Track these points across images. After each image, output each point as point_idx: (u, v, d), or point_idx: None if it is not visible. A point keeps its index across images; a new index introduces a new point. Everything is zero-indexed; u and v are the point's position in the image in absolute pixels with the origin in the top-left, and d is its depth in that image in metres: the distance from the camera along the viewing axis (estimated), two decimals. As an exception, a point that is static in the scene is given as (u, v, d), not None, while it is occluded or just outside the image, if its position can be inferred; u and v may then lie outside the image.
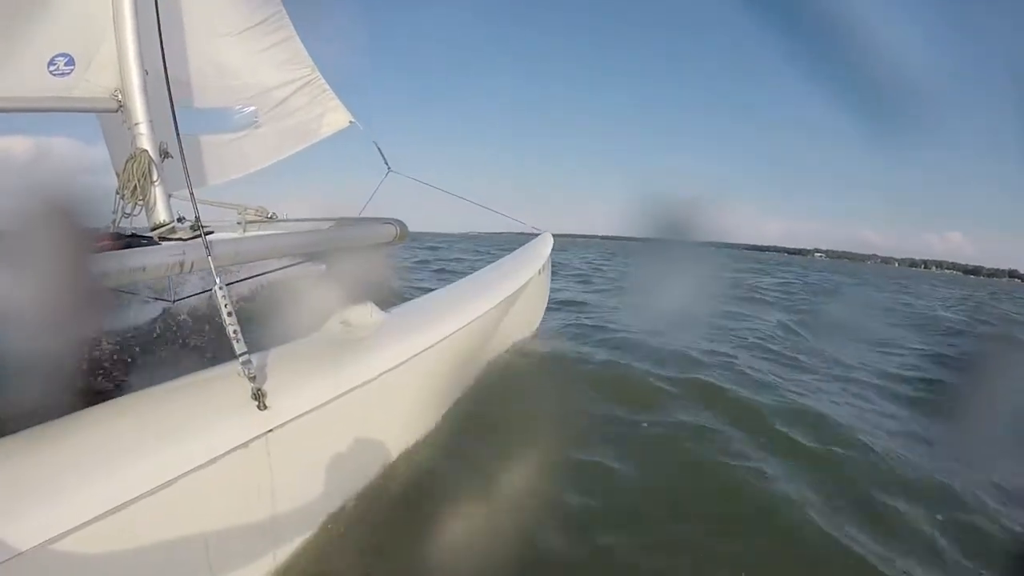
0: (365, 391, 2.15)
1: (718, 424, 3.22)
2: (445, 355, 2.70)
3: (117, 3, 2.37)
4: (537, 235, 5.20)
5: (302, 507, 1.88)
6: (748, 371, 4.47)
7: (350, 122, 3.77)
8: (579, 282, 10.98)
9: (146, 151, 2.35)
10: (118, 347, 2.47)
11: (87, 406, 1.60)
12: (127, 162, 2.32)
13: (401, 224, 2.74)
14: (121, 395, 1.72)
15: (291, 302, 2.55)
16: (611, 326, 5.87)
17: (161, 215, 2.32)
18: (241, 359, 1.75)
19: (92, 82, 2.42)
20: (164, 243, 2.07)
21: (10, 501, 1.27)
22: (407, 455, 2.40)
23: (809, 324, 7.56)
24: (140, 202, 2.31)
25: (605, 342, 5.17)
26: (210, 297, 2.04)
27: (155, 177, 2.33)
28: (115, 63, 2.42)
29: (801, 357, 5.49)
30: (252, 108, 3.35)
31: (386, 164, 3.95)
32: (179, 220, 2.37)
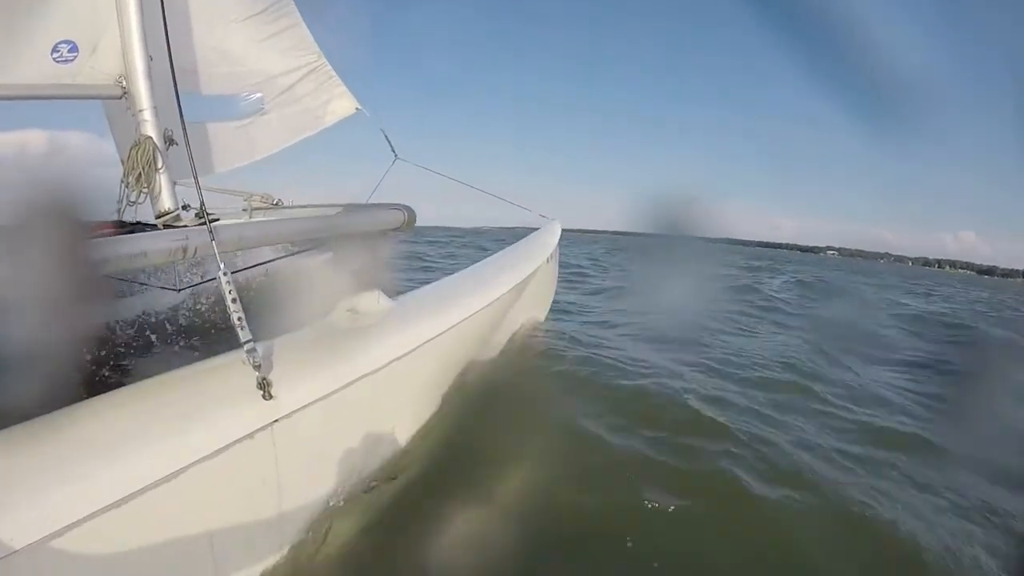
0: (373, 380, 2.13)
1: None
2: (453, 343, 2.67)
3: (120, -11, 2.34)
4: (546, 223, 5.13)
5: (309, 499, 1.86)
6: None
7: (356, 109, 3.72)
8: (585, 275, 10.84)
9: (150, 138, 2.32)
10: (120, 337, 2.46)
11: (86, 397, 1.58)
12: (131, 149, 2.30)
13: (409, 210, 2.69)
14: (120, 386, 1.70)
15: (297, 290, 2.52)
16: (620, 320, 5.82)
17: (166, 203, 2.30)
18: (246, 347, 1.72)
19: (96, 69, 2.39)
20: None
21: (8, 496, 1.25)
22: (415, 444, 2.38)
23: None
24: (144, 190, 2.28)
25: (611, 336, 5.12)
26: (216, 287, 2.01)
27: (160, 164, 2.31)
28: (119, 49, 2.39)
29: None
30: (258, 95, 3.32)
31: (393, 152, 3.89)
32: (184, 208, 2.35)
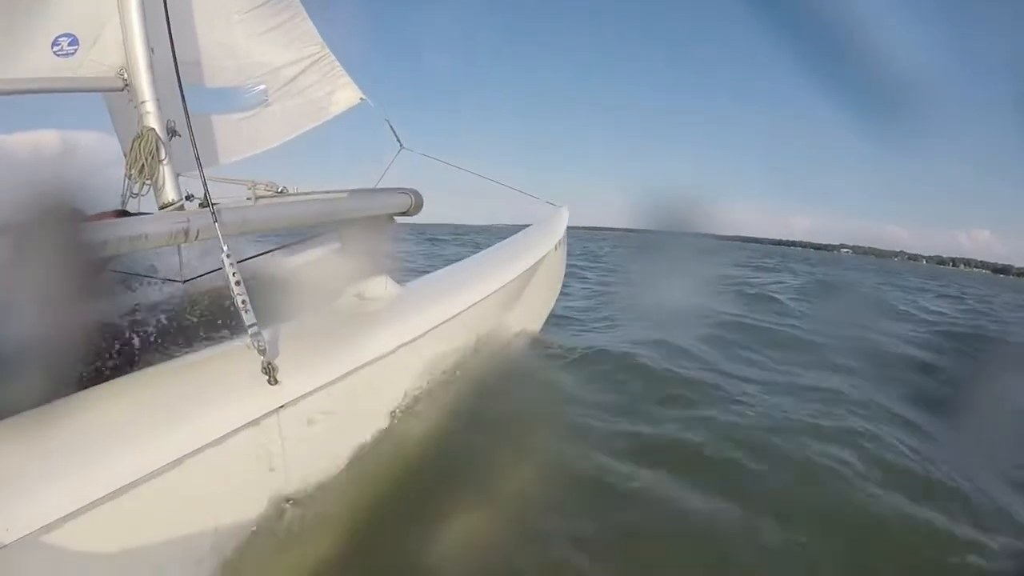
0: (380, 366, 2.10)
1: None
2: (461, 329, 2.63)
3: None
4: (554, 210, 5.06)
5: (315, 487, 1.82)
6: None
7: (360, 99, 3.69)
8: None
9: (153, 129, 2.31)
10: (124, 329, 2.45)
11: (87, 387, 1.56)
12: (134, 141, 2.30)
13: (416, 194, 2.62)
14: (122, 376, 1.68)
15: (304, 280, 2.50)
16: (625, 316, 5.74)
17: (169, 194, 2.29)
18: (251, 330, 1.69)
19: (97, 61, 2.39)
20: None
21: (7, 487, 1.23)
22: (423, 431, 2.34)
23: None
24: (148, 182, 2.28)
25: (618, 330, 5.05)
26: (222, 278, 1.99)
27: (163, 156, 2.30)
28: (120, 42, 2.39)
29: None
30: (262, 87, 3.31)
31: (398, 141, 3.85)
32: (188, 198, 2.34)
